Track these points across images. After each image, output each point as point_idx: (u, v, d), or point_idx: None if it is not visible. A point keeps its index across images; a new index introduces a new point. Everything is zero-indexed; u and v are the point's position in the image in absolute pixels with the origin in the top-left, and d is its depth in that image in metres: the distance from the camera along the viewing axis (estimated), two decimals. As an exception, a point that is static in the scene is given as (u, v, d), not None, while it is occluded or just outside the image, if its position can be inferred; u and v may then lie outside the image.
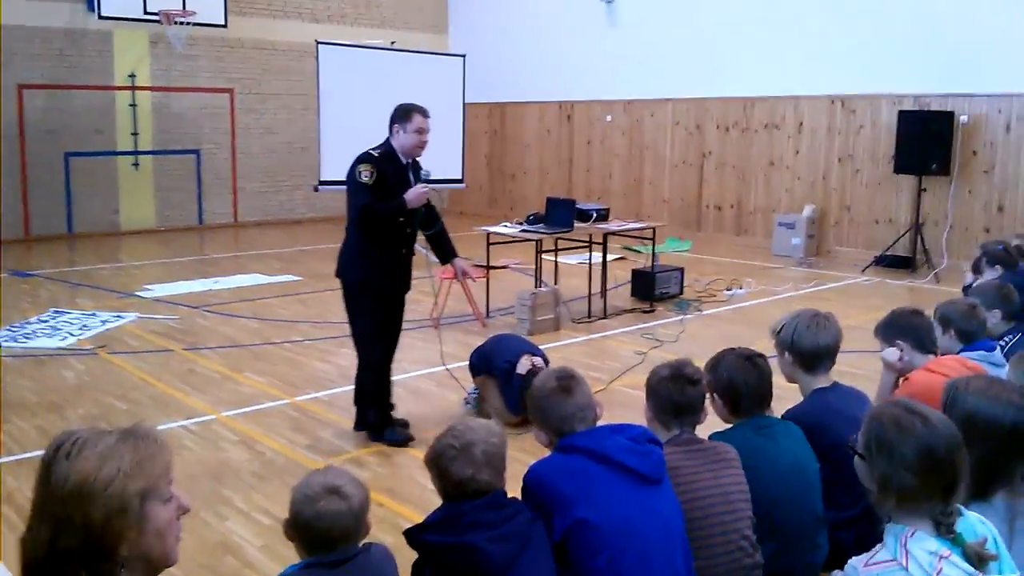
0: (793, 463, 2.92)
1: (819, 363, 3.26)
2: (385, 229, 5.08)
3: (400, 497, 4.43)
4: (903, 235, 11.41)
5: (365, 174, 4.96)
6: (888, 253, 11.43)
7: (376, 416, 5.26)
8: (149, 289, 9.60)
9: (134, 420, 5.33)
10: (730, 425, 3.07)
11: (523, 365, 5.41)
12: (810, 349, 3.24)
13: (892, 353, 3.73)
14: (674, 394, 2.78)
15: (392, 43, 13.13)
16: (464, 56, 12.54)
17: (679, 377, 2.79)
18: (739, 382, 3.00)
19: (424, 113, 5.11)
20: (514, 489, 2.59)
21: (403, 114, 5.09)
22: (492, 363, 5.55)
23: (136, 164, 14.12)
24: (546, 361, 5.62)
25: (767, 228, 13.02)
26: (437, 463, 2.47)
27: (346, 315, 5.27)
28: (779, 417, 3.12)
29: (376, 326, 5.18)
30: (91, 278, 10.24)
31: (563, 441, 2.56)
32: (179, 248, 12.82)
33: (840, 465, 3.06)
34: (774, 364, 3.34)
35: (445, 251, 5.52)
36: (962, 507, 2.16)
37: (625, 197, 14.65)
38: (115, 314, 8.34)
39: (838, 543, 3.03)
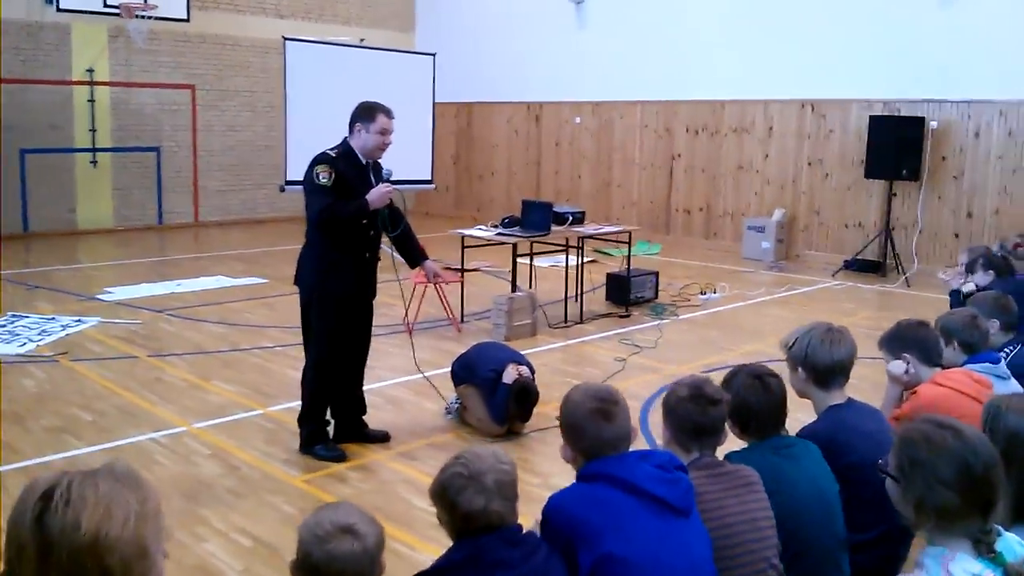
0: (814, 485, 2.79)
1: (834, 379, 3.13)
2: (346, 232, 4.88)
3: (387, 515, 4.22)
4: (873, 239, 11.44)
5: (323, 175, 4.76)
6: (858, 257, 11.45)
7: (309, 426, 5.05)
8: (110, 292, 9.28)
9: (100, 432, 5.08)
10: (745, 445, 2.94)
11: (509, 374, 5.26)
12: (825, 364, 3.11)
13: (898, 366, 3.63)
14: (695, 415, 2.63)
15: (362, 40, 12.90)
16: (434, 55, 12.36)
17: (699, 397, 2.64)
18: (749, 402, 2.86)
19: (388, 113, 4.92)
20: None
21: (366, 113, 4.89)
22: (476, 372, 5.38)
23: (94, 161, 13.72)
24: (532, 370, 5.48)
25: (736, 232, 12.99)
26: (444, 495, 2.28)
27: (300, 321, 5.09)
28: (795, 436, 2.99)
29: (334, 335, 4.97)
30: (49, 280, 9.89)
31: (587, 468, 2.39)
32: (139, 248, 12.47)
33: (858, 485, 2.96)
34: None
35: (413, 254, 5.33)
36: (1000, 527, 2.08)
37: (594, 199, 14.54)
38: (75, 318, 8.04)
39: (856, 566, 2.92)
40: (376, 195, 4.84)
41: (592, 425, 2.39)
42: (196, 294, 9.38)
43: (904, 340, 3.68)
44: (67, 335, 7.48)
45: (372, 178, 4.97)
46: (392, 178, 5.02)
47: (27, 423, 5.43)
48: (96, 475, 1.48)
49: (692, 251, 12.99)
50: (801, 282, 10.78)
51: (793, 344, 3.17)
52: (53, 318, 8.00)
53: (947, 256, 11.12)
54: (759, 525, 2.54)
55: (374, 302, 5.21)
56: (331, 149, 4.90)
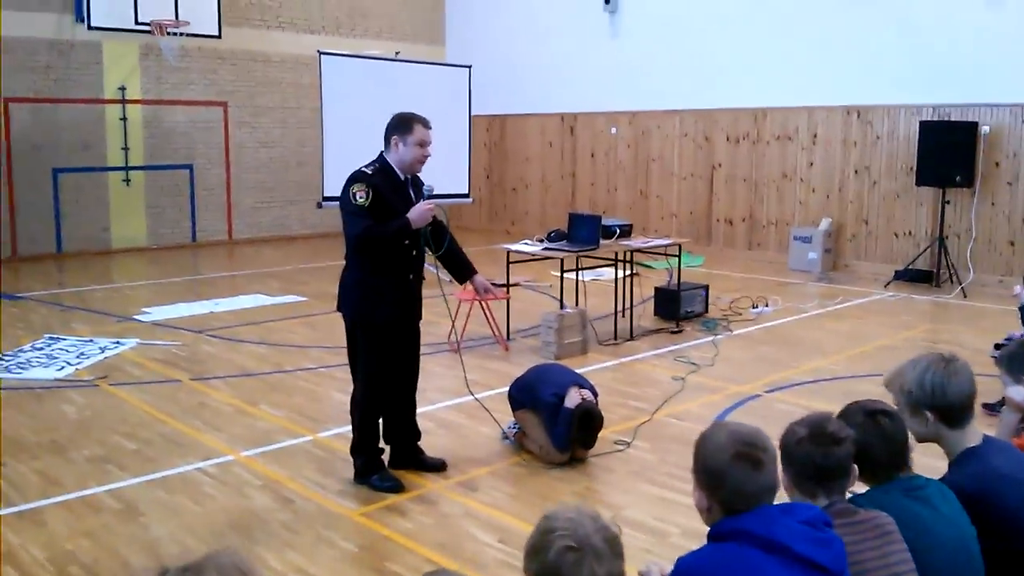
0: (953, 530, 2.49)
1: (966, 416, 2.79)
2: (388, 254, 4.62)
3: (453, 553, 3.97)
4: (926, 249, 11.07)
5: (360, 195, 4.49)
6: (910, 267, 11.09)
7: (362, 455, 4.81)
8: (147, 312, 9.09)
9: (145, 462, 4.81)
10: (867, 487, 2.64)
11: (572, 398, 4.98)
12: (956, 402, 2.74)
13: (1019, 392, 3.31)
14: (817, 456, 2.33)
15: (397, 54, 12.71)
16: (470, 67, 12.15)
17: (821, 435, 2.34)
18: (865, 443, 2.53)
19: (426, 124, 4.66)
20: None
21: (402, 125, 4.63)
22: (536, 396, 5.10)
23: (127, 180, 13.60)
24: (595, 393, 5.20)
25: (781, 242, 12.66)
26: (558, 575, 1.94)
27: (347, 347, 4.87)
28: (925, 477, 2.67)
29: (381, 361, 4.73)
30: (85, 301, 9.73)
31: (722, 525, 2.09)
32: (174, 267, 12.32)
33: (1007, 537, 2.64)
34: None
35: (461, 270, 5.05)
36: None
37: (631, 211, 14.24)
38: (114, 340, 7.84)
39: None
40: (418, 213, 4.57)
41: (736, 472, 2.09)
42: (235, 313, 9.18)
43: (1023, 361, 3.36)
44: (106, 358, 7.29)
45: (412, 194, 4.72)
46: (433, 193, 4.78)
47: (69, 453, 5.21)
48: (198, 573, 1.21)
49: (735, 263, 12.66)
50: (853, 294, 10.43)
51: (914, 387, 2.80)
52: (91, 340, 7.82)
53: (1003, 265, 10.75)
54: (901, 581, 2.25)
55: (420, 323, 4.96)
56: (367, 166, 4.65)
